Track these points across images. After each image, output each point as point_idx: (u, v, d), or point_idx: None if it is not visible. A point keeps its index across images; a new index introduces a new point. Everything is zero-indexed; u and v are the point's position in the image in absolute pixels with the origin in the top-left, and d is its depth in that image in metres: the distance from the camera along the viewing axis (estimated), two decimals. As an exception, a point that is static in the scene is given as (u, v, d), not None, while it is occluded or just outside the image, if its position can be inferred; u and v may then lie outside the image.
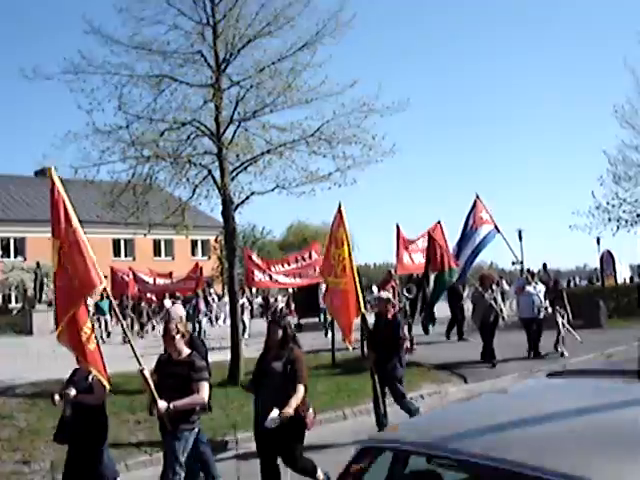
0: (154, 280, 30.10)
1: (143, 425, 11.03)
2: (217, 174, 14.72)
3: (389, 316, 10.50)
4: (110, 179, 14.91)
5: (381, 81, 15.25)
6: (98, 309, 30.66)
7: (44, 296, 37.67)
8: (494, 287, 17.55)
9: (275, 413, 6.68)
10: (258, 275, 18.78)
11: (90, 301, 29.47)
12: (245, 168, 14.86)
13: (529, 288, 17.66)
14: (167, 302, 31.83)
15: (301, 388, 6.91)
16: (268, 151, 14.65)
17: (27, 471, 8.77)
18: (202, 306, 28.04)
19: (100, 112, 14.25)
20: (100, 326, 29.77)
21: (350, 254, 10.72)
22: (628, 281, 36.00)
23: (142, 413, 11.81)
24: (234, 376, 14.40)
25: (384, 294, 11.13)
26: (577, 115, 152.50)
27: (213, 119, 14.49)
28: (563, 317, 17.61)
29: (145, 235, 16.03)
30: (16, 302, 46.87)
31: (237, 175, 14.93)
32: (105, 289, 8.77)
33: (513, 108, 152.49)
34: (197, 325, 27.34)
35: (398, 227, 19.61)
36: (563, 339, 17.46)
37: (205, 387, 7.09)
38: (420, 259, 18.71)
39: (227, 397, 12.98)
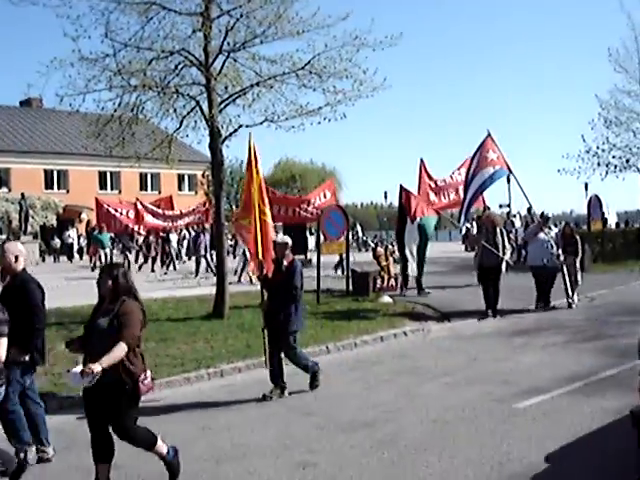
0: (163, 212, 29.04)
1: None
2: (205, 106, 14.49)
3: (286, 262, 9.43)
4: (96, 108, 14.64)
5: (374, 14, 14.74)
6: (97, 241, 29.69)
7: (29, 227, 37.48)
8: (498, 230, 15.79)
9: (78, 368, 5.65)
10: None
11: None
12: (234, 100, 14.64)
13: (541, 235, 16.41)
14: (173, 236, 31.67)
15: (121, 346, 5.76)
16: (257, 83, 14.41)
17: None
18: (204, 240, 26.66)
19: (86, 39, 13.89)
20: (100, 259, 28.92)
21: (261, 191, 10.45)
22: (614, 227, 36.11)
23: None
24: (219, 309, 14.45)
25: (280, 237, 9.96)
26: (571, 57, 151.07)
27: (202, 49, 14.17)
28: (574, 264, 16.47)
29: (132, 167, 15.82)
30: (1, 234, 46.59)
31: (225, 107, 14.72)
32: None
33: (507, 49, 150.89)
34: (202, 260, 26.53)
35: (422, 162, 19.34)
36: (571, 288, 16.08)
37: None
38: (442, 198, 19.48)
39: (212, 330, 13.03)
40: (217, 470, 6.49)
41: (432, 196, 19.11)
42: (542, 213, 25.02)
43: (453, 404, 8.42)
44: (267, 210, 10.53)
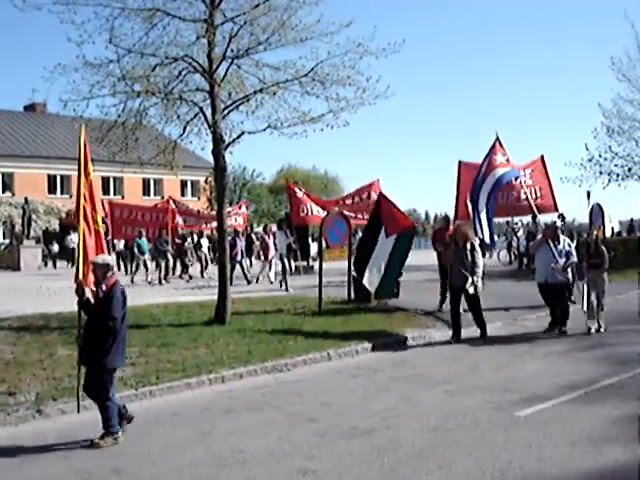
0: (198, 212, 27.62)
1: (128, 360, 11.01)
2: (208, 112, 14.51)
3: (104, 287, 7.73)
4: (100, 114, 14.69)
5: (377, 22, 14.77)
6: (137, 246, 27.15)
7: (32, 232, 37.56)
8: (469, 245, 13.42)
9: None
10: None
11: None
12: (237, 107, 14.67)
13: (546, 247, 14.01)
14: (204, 240, 29.83)
15: None
16: (261, 90, 14.43)
17: (12, 402, 8.79)
18: (240, 245, 24.63)
19: (91, 45, 13.91)
20: (138, 266, 27.06)
21: (92, 195, 8.99)
22: (616, 235, 36.16)
23: (128, 349, 11.81)
24: (221, 315, 14.45)
25: (101, 258, 8.01)
26: (574, 66, 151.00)
27: (205, 55, 14.19)
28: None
29: (135, 172, 15.85)
30: (3, 238, 46.74)
31: (229, 114, 14.75)
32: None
33: (509, 56, 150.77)
34: (236, 265, 23.88)
35: (460, 164, 18.65)
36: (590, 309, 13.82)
37: None
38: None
39: (213, 335, 13.04)
40: (217, 476, 6.50)
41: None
42: (561, 215, 25.27)
43: (454, 412, 8.43)
44: (99, 219, 9.06)
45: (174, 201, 26.78)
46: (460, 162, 18.72)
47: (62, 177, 53.76)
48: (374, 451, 7.04)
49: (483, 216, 16.07)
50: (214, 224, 25.86)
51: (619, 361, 11.03)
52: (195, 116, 14.83)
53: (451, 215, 18.68)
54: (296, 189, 21.81)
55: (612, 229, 33.17)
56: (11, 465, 6.93)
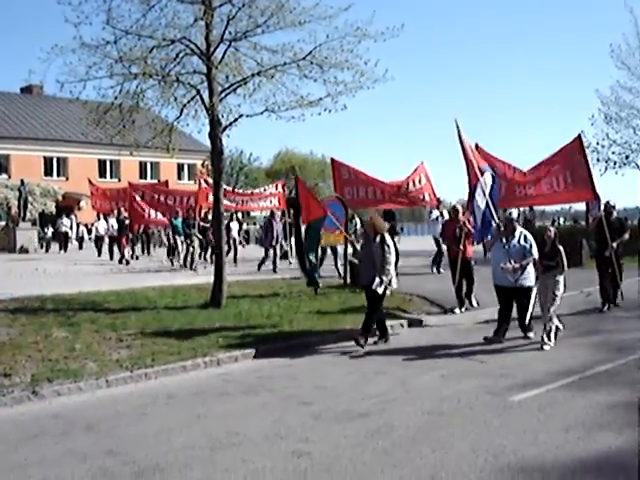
0: (233, 191, 25.99)
1: (125, 343, 11.09)
2: (205, 95, 14.45)
3: None
4: (97, 96, 14.63)
5: (376, 5, 14.66)
6: (172, 227, 26.24)
7: (28, 214, 37.47)
8: (379, 239, 11.74)
9: None
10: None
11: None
12: (234, 90, 14.59)
13: (503, 241, 11.94)
14: (234, 224, 28.62)
15: None
16: (258, 73, 14.36)
17: (7, 383, 8.79)
18: (277, 229, 23.19)
19: (88, 26, 13.84)
20: (177, 248, 26.19)
21: None
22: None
23: (124, 331, 11.91)
24: (217, 298, 14.47)
25: None
26: (572, 53, 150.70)
27: (203, 38, 14.11)
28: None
29: (131, 154, 15.80)
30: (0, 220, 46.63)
31: (226, 96, 14.67)
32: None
33: (508, 43, 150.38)
34: (270, 250, 23.15)
35: (477, 145, 16.05)
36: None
37: None
38: None
39: (209, 319, 13.05)
40: (211, 457, 6.51)
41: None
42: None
43: (448, 396, 8.45)
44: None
45: (206, 181, 24.28)
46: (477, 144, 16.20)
47: (58, 159, 53.65)
48: (368, 434, 7.06)
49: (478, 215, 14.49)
50: (252, 205, 25.69)
51: (615, 347, 11.07)
52: (192, 99, 14.78)
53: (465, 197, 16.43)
54: (342, 168, 19.19)
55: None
56: (6, 447, 6.93)
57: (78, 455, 6.59)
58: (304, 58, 14.18)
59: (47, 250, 36.90)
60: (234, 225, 28.75)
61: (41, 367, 9.53)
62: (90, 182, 28.21)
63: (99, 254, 31.92)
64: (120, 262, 27.51)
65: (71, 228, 38.35)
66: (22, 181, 37.34)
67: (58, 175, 53.31)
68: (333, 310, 14.31)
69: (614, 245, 15.00)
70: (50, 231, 38.77)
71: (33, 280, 20.52)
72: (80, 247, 37.78)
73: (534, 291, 11.72)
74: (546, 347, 10.95)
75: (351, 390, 8.87)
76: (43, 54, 13.62)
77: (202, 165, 54.20)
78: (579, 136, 15.89)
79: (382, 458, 6.42)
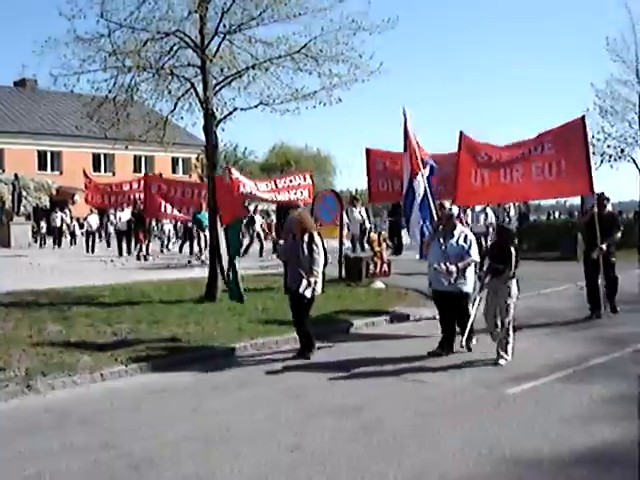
0: (256, 186, 24.56)
1: (119, 337, 11.06)
2: (200, 88, 14.40)
3: None
4: (90, 89, 14.57)
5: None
6: (196, 222, 24.96)
7: (22, 209, 37.30)
8: (306, 237, 10.36)
9: None
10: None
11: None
12: (229, 83, 14.55)
13: (440, 241, 10.48)
14: (257, 217, 27.86)
15: None
16: (253, 66, 14.31)
17: (2, 377, 8.74)
18: None
19: (82, 19, 13.77)
20: (199, 243, 25.48)
21: None
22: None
23: (119, 325, 11.88)
24: (212, 292, 14.44)
25: None
26: (567, 46, 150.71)
27: (197, 31, 14.05)
28: None
29: (126, 148, 15.76)
30: (-7, 214, 46.47)
31: (220, 89, 14.63)
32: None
33: (503, 36, 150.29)
34: None
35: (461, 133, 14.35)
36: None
37: None
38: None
39: (203, 312, 13.02)
40: (205, 452, 6.49)
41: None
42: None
43: (443, 389, 8.44)
44: None
45: (229, 170, 23.67)
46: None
47: (52, 153, 53.52)
48: (363, 429, 7.05)
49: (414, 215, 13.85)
50: (281, 196, 24.01)
51: (611, 341, 11.08)
52: (186, 92, 14.75)
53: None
54: (378, 159, 17.85)
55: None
56: (1, 441, 6.90)
57: (73, 449, 6.57)
58: (299, 51, 14.14)
59: (41, 245, 36.47)
60: (258, 218, 28.26)
61: (35, 361, 9.49)
62: (85, 174, 27.51)
63: (88, 250, 31.05)
64: (138, 258, 26.75)
65: (64, 222, 37.86)
66: (16, 175, 37.16)
67: (52, 169, 53.16)
68: (328, 304, 14.25)
69: (603, 247, 13.04)
70: (44, 225, 38.25)
71: (27, 274, 20.47)
72: (72, 242, 37.18)
73: (475, 298, 10.43)
74: (502, 362, 9.60)
75: (345, 384, 8.86)
76: (37, 47, 13.63)
77: (197, 159, 54.40)
78: (583, 117, 13.60)
79: (376, 453, 6.41)
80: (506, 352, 9.73)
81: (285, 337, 11.29)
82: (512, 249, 9.72)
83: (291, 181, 23.67)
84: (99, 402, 8.18)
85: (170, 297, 15.08)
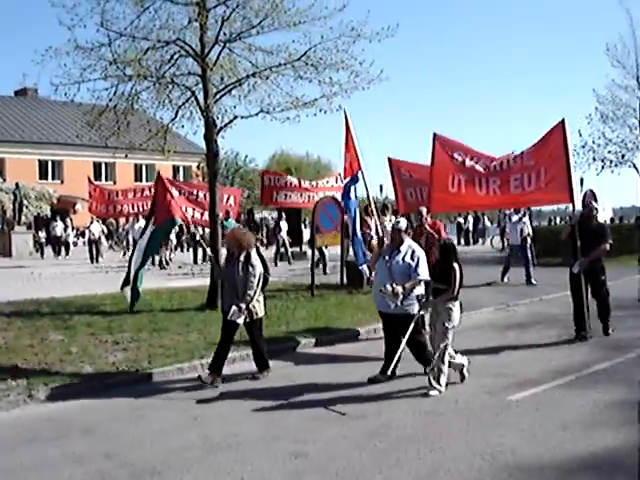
0: (300, 186, 22.89)
1: (121, 345, 11.06)
2: (200, 96, 14.44)
3: None
4: (91, 98, 14.61)
5: (371, 5, 14.67)
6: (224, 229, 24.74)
7: (23, 218, 37.30)
8: (243, 256, 9.37)
9: None
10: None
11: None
12: (229, 91, 14.59)
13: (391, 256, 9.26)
14: (284, 224, 27.54)
15: None
16: (253, 74, 14.36)
17: (3, 387, 8.75)
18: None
19: (82, 28, 13.85)
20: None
21: None
22: (608, 222, 36.26)
23: (120, 334, 11.88)
24: (213, 301, 14.42)
25: None
26: (568, 52, 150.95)
27: (198, 39, 14.12)
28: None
29: (126, 156, 15.78)
30: (-5, 223, 46.53)
31: (221, 98, 14.66)
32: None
33: (502, 42, 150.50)
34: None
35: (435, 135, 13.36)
36: None
37: None
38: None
39: (205, 321, 13.01)
40: (208, 459, 6.49)
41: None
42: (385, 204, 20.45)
43: (446, 396, 8.43)
44: None
45: (264, 174, 22.93)
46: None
47: (53, 162, 53.63)
48: (366, 435, 7.04)
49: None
50: (317, 196, 22.14)
51: (612, 346, 11.06)
52: (187, 100, 14.79)
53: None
54: (402, 169, 17.11)
55: (612, 218, 33.12)
56: (3, 450, 6.90)
57: (74, 458, 6.56)
58: (299, 59, 14.21)
59: (42, 254, 35.81)
60: (284, 225, 28.09)
61: (37, 370, 9.49)
62: (90, 181, 26.76)
63: (92, 260, 30.44)
64: (160, 266, 26.21)
65: (65, 231, 37.39)
66: (17, 184, 37.24)
67: (53, 178, 53.27)
68: (329, 311, 14.27)
69: (585, 260, 11.66)
70: (43, 235, 37.64)
71: (28, 284, 20.48)
72: (67, 252, 35.93)
73: (425, 319, 9.44)
74: (433, 392, 8.44)
75: (348, 390, 8.84)
76: (37, 57, 13.66)
77: (197, 167, 54.46)
78: (562, 122, 12.32)
79: (380, 459, 6.40)
80: (439, 382, 8.52)
81: (287, 344, 11.30)
82: (456, 267, 8.73)
83: (327, 182, 23.01)
84: (101, 411, 8.17)
85: (171, 305, 15.10)
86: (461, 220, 40.72)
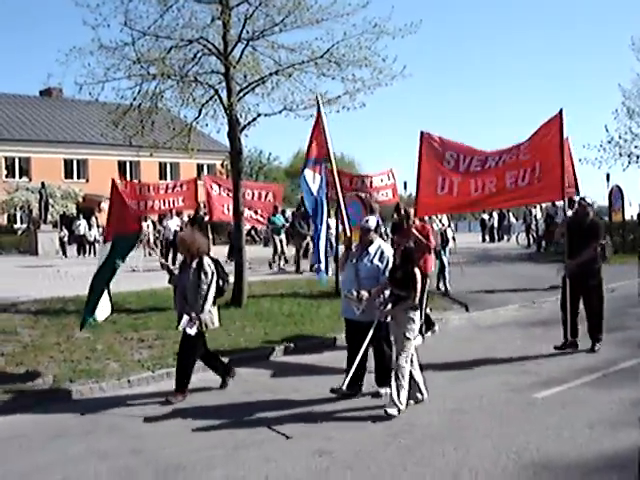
0: (350, 184, 20.58)
1: (146, 343, 11.14)
2: (224, 94, 14.47)
3: None
4: (115, 97, 14.70)
5: (394, 1, 14.58)
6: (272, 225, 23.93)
7: (49, 217, 37.59)
8: (195, 264, 8.68)
9: None
10: None
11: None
12: (253, 89, 14.60)
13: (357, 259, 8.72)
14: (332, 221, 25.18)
15: None
16: (276, 72, 14.36)
17: (30, 384, 8.85)
18: None
19: (106, 28, 13.91)
20: (276, 248, 23.94)
21: None
22: (636, 218, 35.84)
23: (145, 332, 11.96)
24: (238, 298, 14.48)
25: None
26: (594, 47, 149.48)
27: (221, 37, 14.13)
28: None
29: (151, 155, 15.86)
30: (21, 222, 46.99)
31: (244, 96, 14.67)
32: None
33: (527, 35, 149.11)
34: None
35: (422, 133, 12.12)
36: None
37: None
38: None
39: (230, 318, 13.05)
40: (233, 456, 6.51)
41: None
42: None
43: (470, 394, 8.39)
44: None
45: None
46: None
47: (79, 161, 53.97)
48: (391, 433, 7.03)
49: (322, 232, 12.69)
50: (375, 196, 20.55)
51: (638, 344, 10.93)
52: (210, 99, 14.80)
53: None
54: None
55: (639, 214, 32.61)
56: (31, 446, 6.99)
57: (100, 454, 6.62)
58: (322, 56, 14.17)
59: (65, 254, 34.88)
60: (332, 222, 26.81)
61: (63, 368, 9.58)
62: (121, 177, 25.72)
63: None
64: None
65: (89, 230, 37.09)
66: (43, 184, 37.54)
67: (78, 177, 53.63)
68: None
69: (572, 262, 10.70)
70: (65, 233, 36.80)
71: (55, 282, 20.65)
72: (90, 251, 34.96)
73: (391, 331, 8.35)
74: (392, 411, 7.53)
75: (372, 388, 8.84)
76: (61, 57, 13.73)
77: (221, 165, 54.63)
78: (560, 112, 11.18)
79: (404, 456, 6.39)
80: (399, 399, 7.63)
81: (312, 342, 11.32)
82: (416, 273, 7.92)
83: (382, 180, 20.76)
84: (127, 408, 8.23)
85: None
86: (485, 217, 40.42)
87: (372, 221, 8.69)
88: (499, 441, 6.69)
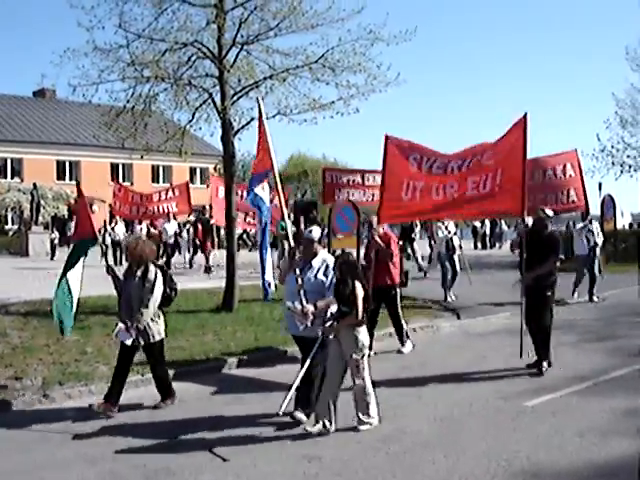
0: (363, 183, 20.63)
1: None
2: (218, 98, 14.48)
3: None
4: (109, 99, 14.69)
5: (389, 8, 14.65)
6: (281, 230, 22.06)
7: (40, 218, 37.44)
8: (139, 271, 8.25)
9: None
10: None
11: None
12: (247, 93, 14.61)
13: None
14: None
15: None
16: (271, 76, 14.38)
17: (19, 387, 8.80)
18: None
19: (100, 30, 13.94)
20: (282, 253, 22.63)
21: None
22: (627, 228, 35.96)
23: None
24: (229, 303, 14.44)
25: None
26: (587, 56, 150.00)
27: (215, 41, 14.17)
28: None
29: (142, 157, 15.82)
30: (12, 223, 46.83)
31: (238, 100, 14.68)
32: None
33: (521, 42, 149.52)
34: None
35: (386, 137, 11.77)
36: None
37: None
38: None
39: (221, 323, 13.03)
40: (222, 462, 6.47)
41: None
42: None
43: (461, 401, 8.38)
44: None
45: (326, 171, 20.89)
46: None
47: (71, 163, 53.86)
48: (380, 439, 7.00)
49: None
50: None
51: (630, 353, 10.93)
52: (204, 102, 14.81)
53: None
54: None
55: (630, 224, 32.74)
56: (18, 449, 6.93)
57: (88, 458, 6.58)
58: (316, 61, 14.20)
59: (52, 256, 33.05)
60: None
61: (52, 370, 9.53)
62: (116, 181, 25.91)
63: (116, 261, 27.77)
64: (206, 271, 24.24)
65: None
66: (35, 185, 37.43)
67: (70, 179, 53.46)
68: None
69: (527, 276, 10.02)
70: (56, 235, 36.18)
71: (45, 283, 20.52)
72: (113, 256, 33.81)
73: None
74: (364, 427, 7.34)
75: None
76: (56, 58, 13.78)
77: (214, 169, 54.51)
78: (524, 116, 10.47)
79: (394, 463, 6.36)
80: (369, 415, 7.43)
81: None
82: (357, 287, 7.36)
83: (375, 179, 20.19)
84: (114, 412, 8.17)
85: (187, 307, 15.07)
86: (477, 224, 40.42)
87: (316, 232, 8.07)
88: (489, 449, 6.67)
